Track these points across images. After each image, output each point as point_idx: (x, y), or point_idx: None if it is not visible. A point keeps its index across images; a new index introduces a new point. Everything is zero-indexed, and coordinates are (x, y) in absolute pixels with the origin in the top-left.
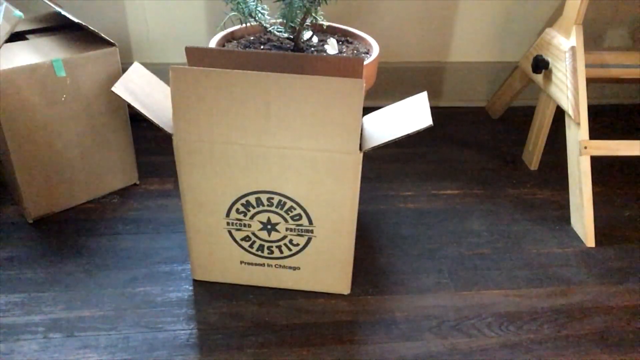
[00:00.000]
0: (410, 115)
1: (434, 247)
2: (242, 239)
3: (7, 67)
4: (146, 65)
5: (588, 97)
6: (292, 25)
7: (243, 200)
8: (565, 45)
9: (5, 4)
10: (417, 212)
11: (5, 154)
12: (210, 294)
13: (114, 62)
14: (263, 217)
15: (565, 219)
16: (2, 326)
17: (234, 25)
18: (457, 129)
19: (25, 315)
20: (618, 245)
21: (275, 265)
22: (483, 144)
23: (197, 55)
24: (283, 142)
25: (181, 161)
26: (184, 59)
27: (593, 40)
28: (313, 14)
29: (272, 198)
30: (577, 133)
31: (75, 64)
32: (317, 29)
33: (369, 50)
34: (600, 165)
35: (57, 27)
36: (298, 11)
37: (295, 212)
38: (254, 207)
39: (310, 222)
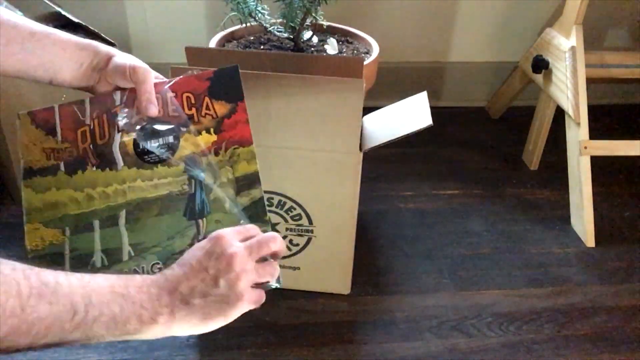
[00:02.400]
0: (410, 115)
1: (434, 247)
2: None
3: None
4: None
5: (588, 97)
6: (292, 25)
7: None
8: (565, 45)
9: (5, 4)
10: (417, 212)
11: (5, 153)
12: None
13: None
14: None
15: (565, 219)
16: None
17: (234, 25)
18: (457, 129)
19: None
20: (618, 245)
21: None
22: (483, 144)
23: (197, 55)
24: (283, 142)
25: None
26: (184, 59)
27: (593, 40)
28: (313, 14)
29: (272, 198)
30: (577, 133)
31: None
32: (317, 29)
33: (369, 50)
34: (600, 165)
35: (57, 27)
36: (298, 11)
37: (295, 212)
38: None
39: (310, 222)
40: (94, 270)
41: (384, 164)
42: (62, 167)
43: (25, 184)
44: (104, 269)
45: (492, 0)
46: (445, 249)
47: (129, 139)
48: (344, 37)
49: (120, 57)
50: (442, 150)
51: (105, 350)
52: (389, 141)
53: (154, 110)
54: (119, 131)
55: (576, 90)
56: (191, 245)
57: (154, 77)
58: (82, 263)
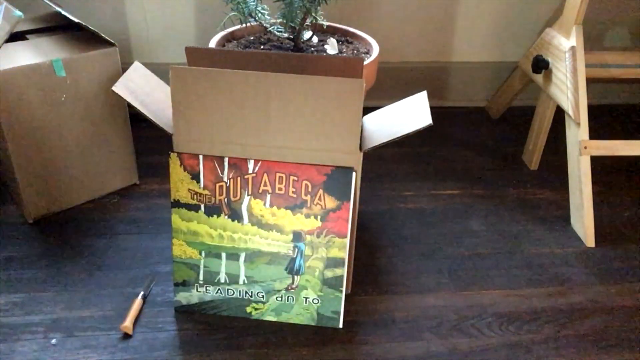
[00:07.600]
0: (410, 114)
1: (434, 247)
2: None
3: (7, 67)
4: (146, 65)
5: (588, 97)
6: (292, 25)
7: None
8: (565, 45)
9: (5, 4)
10: (417, 212)
11: (5, 154)
12: None
13: (114, 62)
14: None
15: (565, 219)
16: (2, 326)
17: (234, 25)
18: (457, 129)
19: (25, 315)
20: (618, 245)
21: None
22: (483, 144)
23: (197, 55)
24: (283, 142)
25: None
26: (184, 59)
27: (593, 40)
28: (313, 14)
29: None
30: (577, 133)
31: (75, 64)
32: (317, 29)
33: (369, 50)
34: (600, 165)
35: (57, 27)
36: (298, 11)
37: None
38: None
39: None
40: (220, 284)
41: (384, 164)
42: (203, 209)
43: (173, 211)
44: (226, 284)
45: (492, 0)
46: (445, 249)
47: (255, 202)
48: (344, 37)
49: None
50: (443, 150)
51: (105, 351)
52: (389, 141)
53: None
54: (247, 195)
55: (576, 90)
56: (287, 289)
57: None
58: (211, 276)
